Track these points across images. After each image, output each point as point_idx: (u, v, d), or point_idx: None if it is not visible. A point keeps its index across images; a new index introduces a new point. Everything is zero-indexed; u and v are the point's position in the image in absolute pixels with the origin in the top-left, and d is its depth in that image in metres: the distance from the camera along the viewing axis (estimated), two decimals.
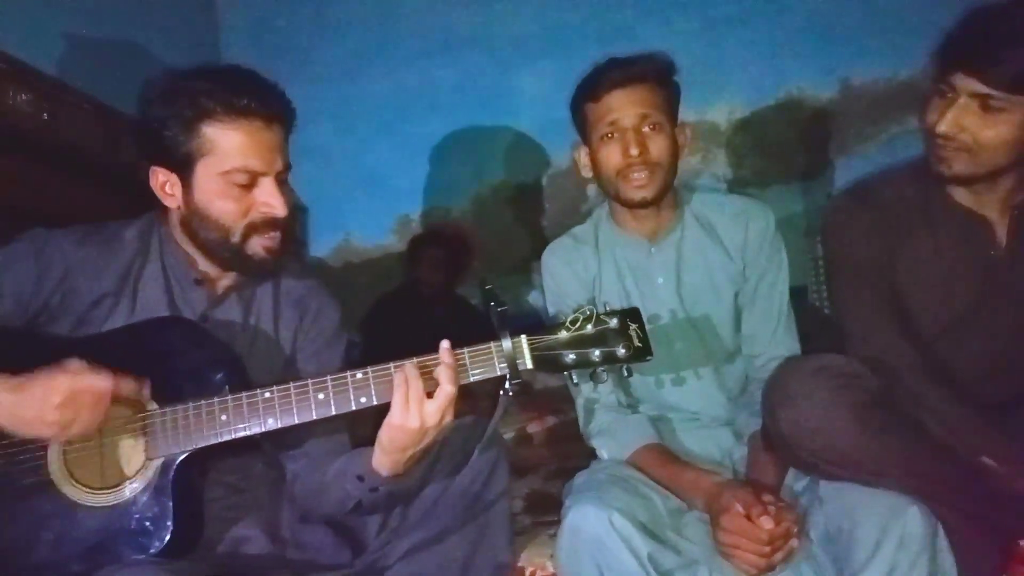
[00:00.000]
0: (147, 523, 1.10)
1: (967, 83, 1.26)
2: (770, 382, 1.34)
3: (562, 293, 1.58)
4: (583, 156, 1.58)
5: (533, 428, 2.30)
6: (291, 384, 1.14)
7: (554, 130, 2.72)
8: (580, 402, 1.58)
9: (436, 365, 1.11)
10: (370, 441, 1.17)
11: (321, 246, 3.05)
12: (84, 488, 1.11)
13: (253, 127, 1.20)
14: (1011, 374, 1.42)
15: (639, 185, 1.47)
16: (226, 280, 1.32)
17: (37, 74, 1.80)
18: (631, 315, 1.17)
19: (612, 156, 1.48)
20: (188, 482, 1.15)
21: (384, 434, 1.12)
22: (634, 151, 1.44)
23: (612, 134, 1.48)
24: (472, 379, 1.14)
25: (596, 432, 1.53)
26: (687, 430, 1.54)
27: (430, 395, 1.09)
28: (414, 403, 1.08)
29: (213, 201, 1.21)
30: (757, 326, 1.53)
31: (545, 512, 1.61)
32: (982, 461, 1.26)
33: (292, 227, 1.30)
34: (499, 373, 1.14)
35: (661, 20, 2.75)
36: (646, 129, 1.47)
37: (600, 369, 1.16)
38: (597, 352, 1.14)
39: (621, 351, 1.14)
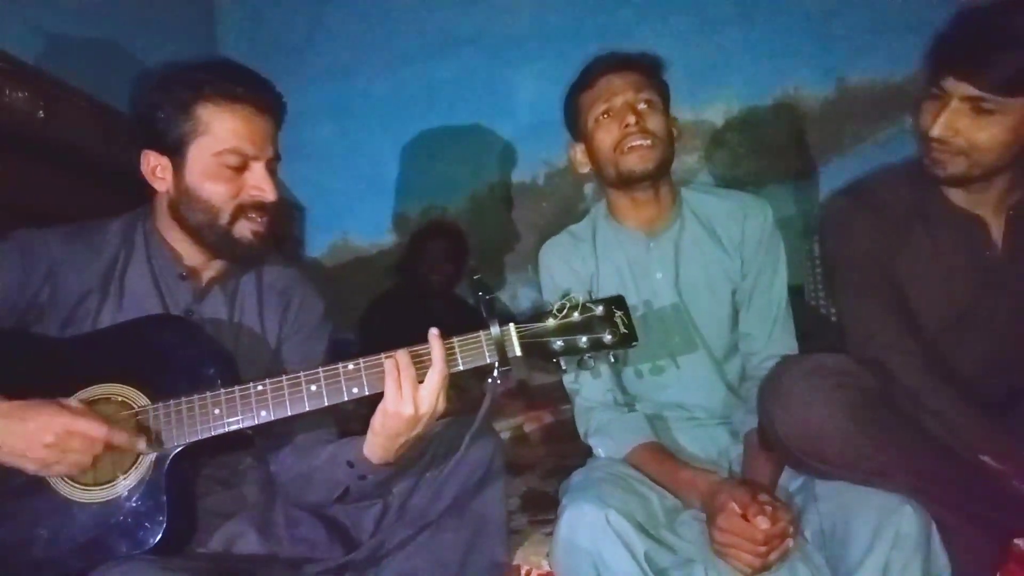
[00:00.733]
0: (141, 518, 1.10)
1: (958, 86, 1.26)
2: (766, 381, 1.34)
3: (559, 290, 1.57)
4: (578, 153, 1.59)
5: (530, 427, 2.30)
6: (283, 377, 1.15)
7: (551, 129, 2.66)
8: (577, 401, 1.58)
9: (427, 354, 1.13)
10: (361, 434, 1.18)
11: (318, 245, 3.05)
12: (77, 485, 1.11)
13: (247, 112, 1.23)
14: (1009, 373, 1.43)
15: (640, 154, 1.47)
16: (210, 272, 1.33)
17: (33, 71, 1.79)
18: (616, 302, 1.20)
19: (609, 133, 1.49)
20: (181, 478, 1.15)
21: (377, 420, 1.14)
22: (631, 119, 1.46)
23: (608, 113, 1.49)
24: (462, 367, 1.16)
25: (593, 431, 1.53)
26: (684, 429, 1.54)
27: (423, 382, 1.12)
28: (407, 388, 1.10)
29: (204, 182, 1.23)
30: (754, 324, 1.54)
31: (541, 511, 1.61)
32: (981, 459, 1.26)
33: (278, 218, 1.32)
34: (488, 361, 1.16)
35: (658, 20, 2.76)
36: (641, 106, 1.48)
37: (588, 356, 1.19)
38: (584, 339, 1.17)
39: (607, 337, 1.17)
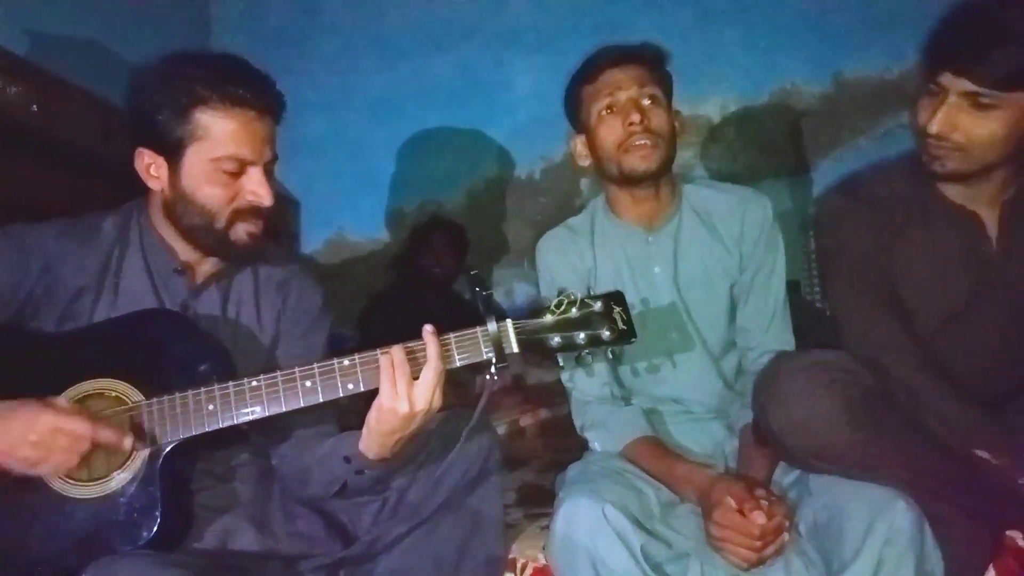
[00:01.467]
0: (136, 514, 1.10)
1: (955, 82, 1.26)
2: (761, 377, 1.34)
3: (556, 284, 1.56)
4: (579, 145, 1.58)
5: (526, 421, 2.30)
6: (278, 372, 1.15)
7: (548, 124, 2.69)
8: (573, 395, 1.58)
9: (423, 350, 1.12)
10: (359, 428, 1.18)
11: (314, 240, 3.03)
12: (72, 481, 1.11)
13: (247, 117, 1.21)
14: (1005, 368, 1.43)
15: (643, 154, 1.46)
16: (206, 267, 1.32)
17: (26, 65, 1.78)
18: (615, 298, 1.19)
19: (613, 130, 1.48)
20: (176, 473, 1.15)
21: (372, 416, 1.13)
22: (635, 117, 1.44)
23: (611, 108, 1.48)
24: (458, 363, 1.16)
25: (589, 424, 1.53)
26: (680, 423, 1.54)
27: (418, 379, 1.11)
28: (402, 385, 1.10)
29: (201, 186, 1.22)
30: (751, 319, 1.53)
31: (537, 505, 1.61)
32: (975, 453, 1.27)
33: (275, 217, 1.32)
34: (485, 357, 1.15)
35: (655, 14, 2.75)
36: (645, 102, 1.47)
37: (586, 352, 1.18)
38: (582, 335, 1.16)
39: (606, 333, 1.16)
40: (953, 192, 1.40)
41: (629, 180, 1.50)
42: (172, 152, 1.22)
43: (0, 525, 1.09)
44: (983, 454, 1.27)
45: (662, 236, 1.56)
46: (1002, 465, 1.26)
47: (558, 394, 2.05)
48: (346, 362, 1.14)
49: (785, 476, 1.40)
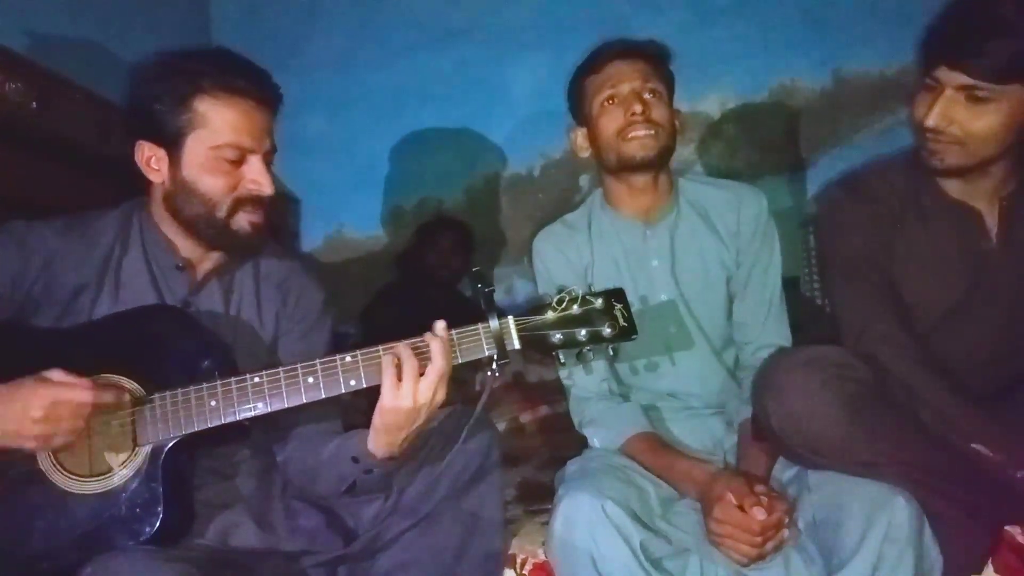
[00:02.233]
0: (137, 509, 1.10)
1: (952, 76, 1.26)
2: (760, 373, 1.35)
3: (553, 279, 1.58)
4: (579, 137, 1.59)
5: (526, 418, 2.30)
6: (280, 368, 1.15)
7: (547, 121, 2.72)
8: (572, 392, 1.59)
9: (426, 346, 1.12)
10: (364, 426, 1.18)
11: (313, 238, 3.03)
12: (73, 476, 1.11)
13: (246, 106, 1.22)
14: (1003, 363, 1.43)
15: (642, 142, 1.47)
16: (207, 264, 1.32)
17: (26, 62, 1.78)
18: (616, 295, 1.19)
19: (613, 119, 1.49)
20: (177, 469, 1.15)
21: (377, 417, 1.13)
22: (637, 107, 1.46)
23: (613, 99, 1.50)
24: (461, 360, 1.16)
25: (588, 421, 1.54)
26: (678, 419, 1.55)
27: (422, 375, 1.11)
28: (407, 381, 1.10)
29: (201, 176, 1.23)
30: (748, 313, 1.54)
31: (537, 501, 1.61)
32: (974, 448, 1.27)
33: (274, 210, 1.32)
34: (487, 354, 1.15)
35: (655, 11, 2.75)
36: (647, 95, 1.48)
37: (587, 349, 1.18)
38: (583, 332, 1.16)
39: (607, 330, 1.16)
40: (952, 187, 1.40)
41: (627, 168, 1.51)
42: (172, 143, 1.22)
43: (2, 520, 1.09)
44: (981, 449, 1.27)
45: (659, 229, 1.56)
46: (1000, 460, 1.25)
47: (558, 391, 2.05)
48: (348, 358, 1.14)
49: (784, 472, 1.40)
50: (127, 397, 1.11)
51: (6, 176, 1.72)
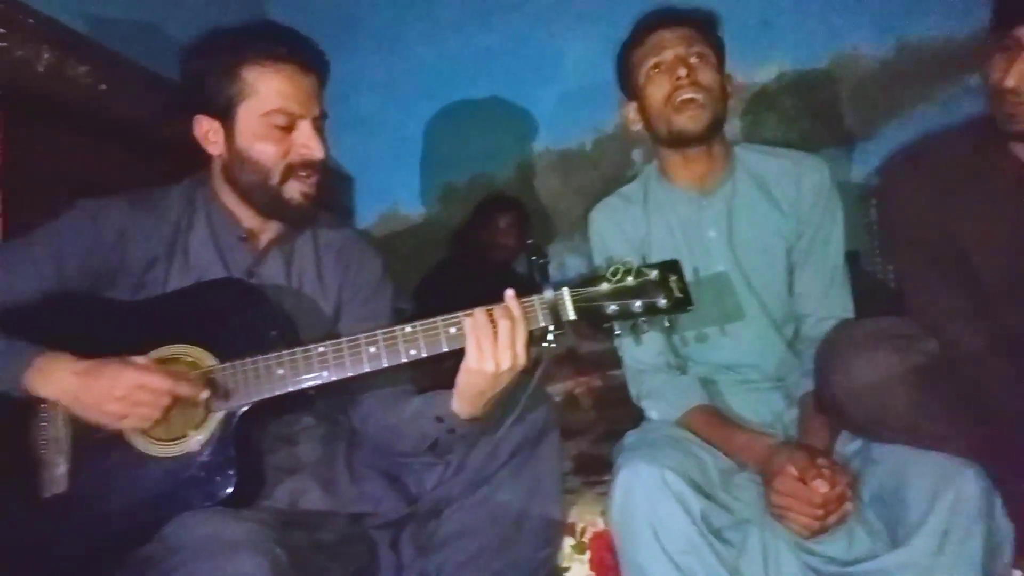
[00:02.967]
0: (212, 473, 1.15)
1: None
2: (823, 344, 1.32)
3: (609, 252, 1.57)
4: (631, 111, 1.58)
5: (580, 391, 2.32)
6: (343, 339, 1.18)
7: (599, 94, 2.67)
8: (628, 364, 1.58)
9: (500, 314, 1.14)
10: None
11: (368, 215, 3.07)
12: (152, 440, 1.16)
13: (290, 71, 1.25)
14: None
15: (691, 113, 1.45)
16: (268, 234, 1.36)
17: (93, 45, 1.83)
18: (671, 267, 1.19)
19: (661, 87, 1.47)
20: (248, 435, 1.20)
21: (461, 379, 1.16)
22: (682, 71, 1.44)
23: (659, 66, 1.48)
24: None
25: (646, 394, 1.53)
26: (737, 393, 1.53)
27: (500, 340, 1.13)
28: (487, 347, 1.12)
29: (254, 143, 1.26)
30: (810, 284, 1.51)
31: (594, 473, 1.62)
32: None
33: (326, 178, 1.34)
34: (541, 324, 1.17)
35: None
36: (693, 60, 1.46)
37: (642, 320, 1.18)
38: (638, 303, 1.16)
39: (662, 302, 1.16)
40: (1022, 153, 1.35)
41: (679, 140, 1.49)
42: (225, 114, 1.27)
43: (87, 480, 1.15)
44: None
45: (716, 199, 1.54)
46: None
47: (610, 364, 2.06)
48: (408, 328, 1.17)
49: (847, 445, 1.38)
50: (205, 395, 1.14)
51: (75, 157, 1.77)
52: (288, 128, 1.26)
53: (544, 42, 2.90)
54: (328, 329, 1.35)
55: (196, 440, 1.16)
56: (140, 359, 1.13)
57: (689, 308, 1.18)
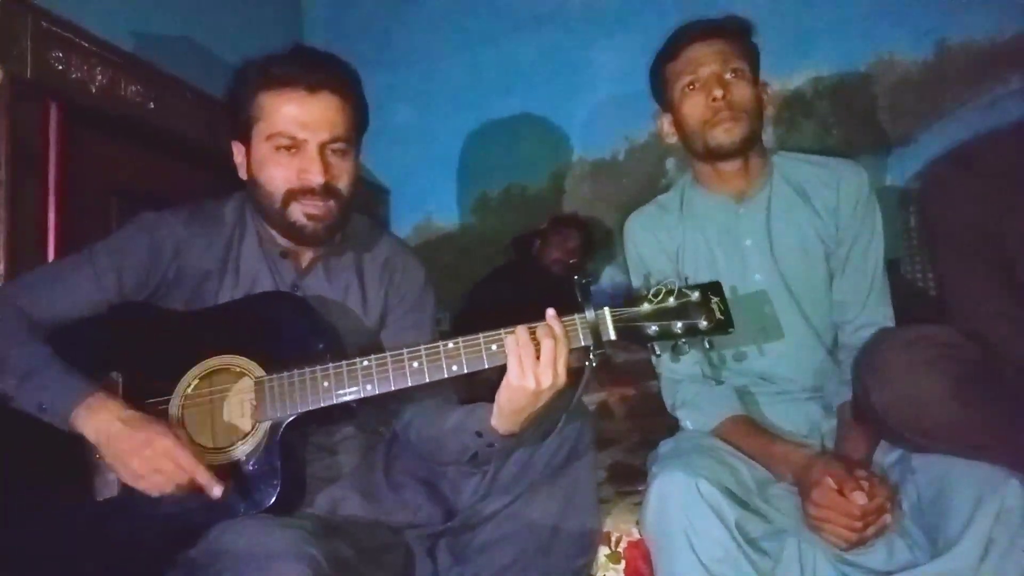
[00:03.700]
0: (258, 481, 1.18)
1: None
2: (863, 353, 1.31)
3: (644, 262, 1.58)
4: (665, 124, 1.58)
5: (614, 401, 2.32)
6: (388, 353, 1.20)
7: (632, 105, 2.66)
8: (664, 374, 1.59)
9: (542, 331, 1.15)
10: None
11: (403, 227, 3.10)
12: (199, 447, 1.20)
13: (297, 95, 1.26)
14: None
15: (726, 128, 1.45)
16: (309, 252, 1.38)
17: (144, 65, 1.90)
18: (713, 288, 1.19)
19: (696, 106, 1.48)
20: (292, 444, 1.23)
21: (502, 395, 1.17)
22: (718, 92, 1.44)
23: (694, 84, 1.48)
24: None
25: (680, 404, 1.53)
26: (773, 403, 1.52)
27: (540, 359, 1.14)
28: (528, 364, 1.13)
29: (263, 168, 1.29)
30: (849, 291, 1.50)
31: (628, 483, 1.63)
32: None
33: (344, 198, 1.31)
34: (583, 344, 1.17)
35: None
36: (728, 76, 1.46)
37: (682, 341, 1.18)
38: (679, 324, 1.17)
39: (703, 323, 1.16)
40: None
41: (715, 155, 1.49)
42: (246, 139, 1.30)
43: None
44: None
45: (753, 207, 1.54)
46: None
47: (645, 374, 2.06)
48: (450, 345, 1.19)
49: (886, 456, 1.36)
50: (218, 491, 1.13)
51: (128, 171, 1.86)
52: (294, 152, 1.27)
53: (576, 52, 2.92)
54: (372, 340, 1.39)
55: (242, 449, 1.20)
56: (180, 432, 1.17)
57: (730, 331, 1.17)
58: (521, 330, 1.15)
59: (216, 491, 1.12)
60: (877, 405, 1.23)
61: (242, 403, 1.22)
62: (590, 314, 1.17)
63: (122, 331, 1.27)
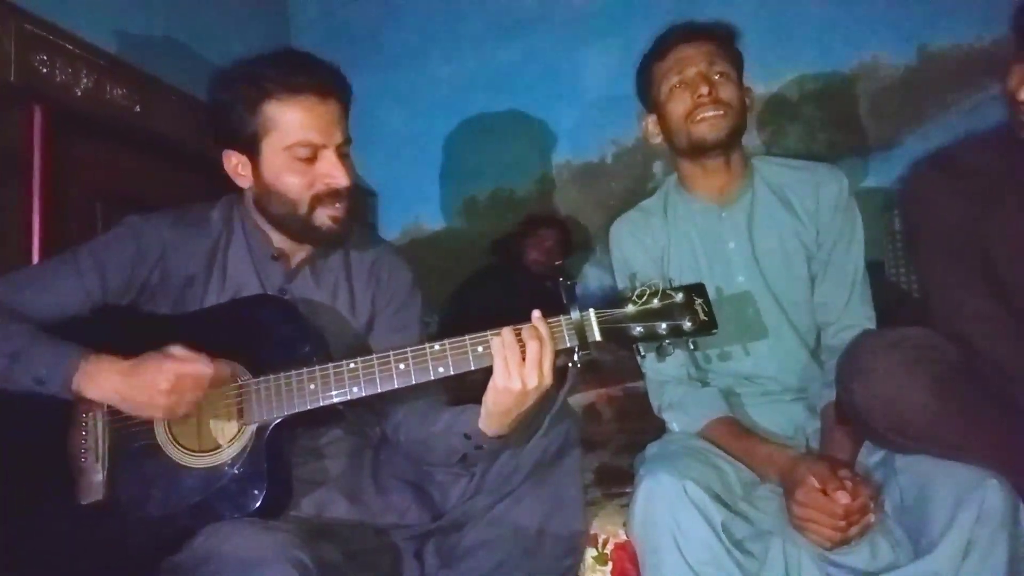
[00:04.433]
0: (244, 484, 1.17)
1: None
2: (845, 354, 1.32)
3: (629, 265, 1.59)
4: (650, 124, 1.60)
5: (601, 403, 2.32)
6: (374, 356, 1.21)
7: (618, 108, 2.71)
8: (650, 376, 1.60)
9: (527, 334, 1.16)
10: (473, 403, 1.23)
11: (391, 230, 3.11)
12: (186, 451, 1.20)
13: (309, 102, 1.26)
14: None
15: (711, 123, 1.47)
16: (300, 253, 1.39)
17: (129, 68, 1.90)
18: (696, 290, 1.20)
19: (681, 103, 1.50)
20: (278, 447, 1.23)
21: (489, 396, 1.18)
22: (704, 89, 1.46)
23: (680, 84, 1.50)
24: None
25: (667, 406, 1.55)
26: (758, 404, 1.54)
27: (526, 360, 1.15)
28: (513, 366, 1.14)
29: (280, 176, 1.29)
30: (830, 294, 1.52)
31: (615, 484, 1.63)
32: None
33: (356, 200, 1.36)
34: (568, 345, 1.18)
35: None
36: (715, 77, 1.48)
37: (666, 342, 1.19)
38: (663, 325, 1.18)
39: (687, 324, 1.17)
40: None
41: (698, 150, 1.51)
42: (251, 149, 1.30)
43: (123, 488, 1.19)
44: None
45: (735, 210, 1.56)
46: None
47: (631, 375, 2.07)
48: (436, 347, 1.19)
49: (870, 457, 1.38)
50: (236, 376, 1.19)
51: (114, 175, 1.85)
52: (312, 159, 1.28)
53: (563, 57, 2.93)
54: (359, 342, 1.39)
55: (228, 452, 1.19)
56: (175, 349, 1.16)
57: (714, 331, 1.19)
58: (507, 331, 1.16)
59: (236, 372, 1.20)
60: (859, 406, 1.24)
61: (228, 406, 1.22)
62: (575, 315, 1.18)
63: (109, 335, 1.26)
